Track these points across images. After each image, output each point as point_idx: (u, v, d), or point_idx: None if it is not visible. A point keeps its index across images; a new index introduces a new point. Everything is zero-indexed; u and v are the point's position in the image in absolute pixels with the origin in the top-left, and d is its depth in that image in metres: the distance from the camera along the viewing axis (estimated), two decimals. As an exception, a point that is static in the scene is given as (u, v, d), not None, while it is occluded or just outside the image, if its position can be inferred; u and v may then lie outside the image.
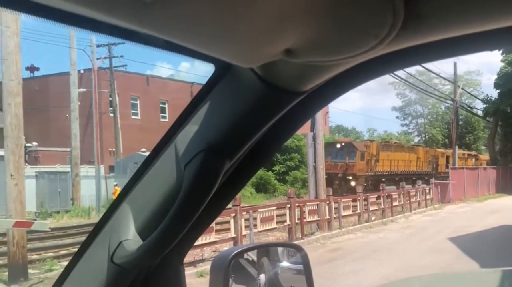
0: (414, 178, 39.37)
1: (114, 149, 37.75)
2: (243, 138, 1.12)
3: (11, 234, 11.85)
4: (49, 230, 11.93)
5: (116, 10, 0.69)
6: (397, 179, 39.37)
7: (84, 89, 32.91)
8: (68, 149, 31.72)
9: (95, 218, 26.86)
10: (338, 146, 38.76)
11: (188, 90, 45.76)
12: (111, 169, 36.00)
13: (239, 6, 0.71)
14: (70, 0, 0.68)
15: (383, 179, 37.69)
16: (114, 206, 1.34)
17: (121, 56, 37.21)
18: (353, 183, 34.33)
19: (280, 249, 1.72)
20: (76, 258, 1.39)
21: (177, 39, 0.79)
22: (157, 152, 1.28)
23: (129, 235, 1.24)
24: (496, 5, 0.77)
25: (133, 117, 42.61)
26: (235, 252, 1.49)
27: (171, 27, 0.75)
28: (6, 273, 12.27)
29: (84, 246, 1.38)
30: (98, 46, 33.92)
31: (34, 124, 38.60)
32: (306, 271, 1.58)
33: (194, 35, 0.78)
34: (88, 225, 22.93)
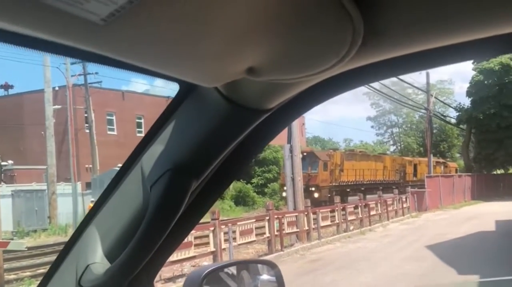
0: (381, 188, 38.02)
1: (90, 166, 37.41)
2: (209, 157, 1.11)
3: (-13, 255, 11.71)
4: (26, 249, 11.79)
5: (71, 34, 0.68)
6: (363, 189, 37.98)
7: (59, 106, 32.63)
8: (44, 167, 31.37)
9: (72, 236, 26.57)
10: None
11: (164, 104, 44.84)
12: (88, 185, 35.64)
13: (197, 26, 0.70)
14: (23, 25, 0.66)
15: (348, 189, 36.87)
16: (81, 228, 1.32)
17: (96, 73, 36.97)
18: (316, 195, 33.24)
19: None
20: (44, 281, 1.36)
21: (136, 61, 0.78)
22: (123, 172, 1.26)
23: (96, 258, 1.22)
24: (453, 21, 0.78)
25: (109, 132, 42.31)
26: (207, 271, 1.48)
27: (128, 49, 0.74)
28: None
29: (52, 269, 1.36)
30: (72, 63, 33.69)
31: (9, 142, 38.23)
32: (279, 285, 1.62)
33: (153, 57, 0.78)
34: (65, 242, 22.65)
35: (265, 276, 1.67)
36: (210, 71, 0.86)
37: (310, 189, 33.99)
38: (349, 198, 31.56)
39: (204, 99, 1.07)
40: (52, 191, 29.53)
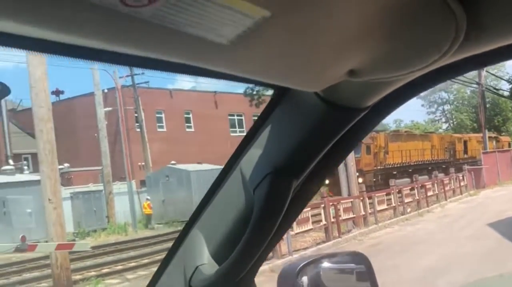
0: (430, 168, 36.87)
1: (143, 163, 38.10)
2: (308, 157, 1.14)
3: (54, 257, 12.08)
4: (90, 250, 12.12)
5: (199, 56, 0.73)
6: (410, 170, 36.49)
7: (110, 108, 33.32)
8: (99, 168, 32.13)
9: (132, 234, 27.15)
10: None
11: (212, 99, 46.02)
12: (142, 183, 36.32)
13: (313, 36, 0.74)
14: (159, 52, 0.71)
15: (395, 172, 35.29)
16: (185, 232, 1.39)
17: (143, 73, 37.57)
18: (360, 180, 32.00)
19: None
20: (152, 282, 1.44)
21: (255, 76, 0.84)
22: (223, 176, 1.32)
23: (204, 260, 1.27)
24: None
25: (159, 130, 42.96)
26: (301, 265, 1.49)
27: (251, 66, 0.79)
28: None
29: (159, 272, 1.43)
30: (119, 65, 34.27)
31: (64, 146, 39.23)
32: (370, 276, 1.61)
33: (265, 70, 0.82)
34: (126, 241, 23.18)
35: (355, 268, 1.66)
36: (314, 76, 0.89)
37: None
38: (397, 181, 30.49)
39: (300, 101, 1.08)
40: (109, 191, 30.24)
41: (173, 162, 34.60)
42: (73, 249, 11.70)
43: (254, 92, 41.17)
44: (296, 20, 0.69)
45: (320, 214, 16.86)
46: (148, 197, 31.11)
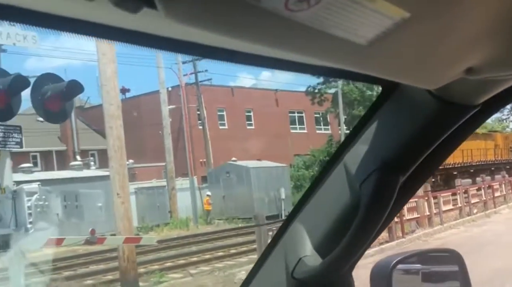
0: (492, 168, 35.46)
1: (205, 160, 38.57)
2: (416, 153, 1.14)
3: (121, 250, 12.41)
4: (156, 244, 12.40)
5: (336, 55, 0.75)
6: (472, 171, 35.34)
7: (174, 106, 33.91)
8: (162, 164, 32.74)
9: (193, 229, 27.55)
10: None
11: (273, 97, 46.05)
12: (204, 179, 36.77)
13: (441, 36, 0.75)
14: (309, 54, 0.74)
15: (455, 172, 33.80)
16: (286, 224, 1.42)
17: (206, 71, 38.01)
18: None
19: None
20: (252, 274, 1.49)
21: (379, 74, 0.85)
22: (326, 170, 1.34)
23: (307, 252, 1.29)
24: None
25: (220, 127, 43.36)
26: (394, 261, 1.50)
27: (381, 66, 0.81)
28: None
29: (259, 263, 1.47)
30: (183, 63, 34.89)
31: (129, 143, 40.13)
32: (462, 274, 1.59)
33: (395, 69, 0.84)
34: (188, 236, 23.53)
35: (447, 265, 1.65)
36: (433, 74, 0.88)
37: None
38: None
39: (410, 97, 1.08)
40: (172, 187, 30.79)
41: (233, 159, 34.86)
42: (140, 243, 11.99)
43: (316, 91, 40.95)
44: (432, 21, 0.71)
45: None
46: (209, 193, 31.50)
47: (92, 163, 35.18)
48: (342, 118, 37.67)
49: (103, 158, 39.10)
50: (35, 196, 7.66)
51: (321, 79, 41.25)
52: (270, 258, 1.44)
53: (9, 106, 8.10)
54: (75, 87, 8.87)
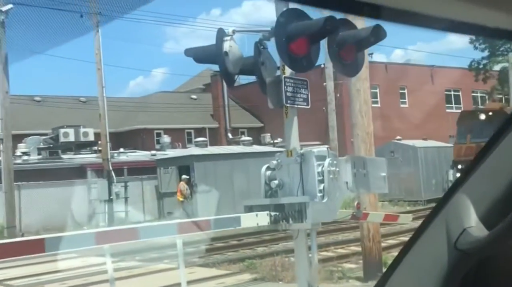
0: None
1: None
2: None
3: (365, 228, 11.09)
4: (412, 222, 11.02)
5: None
6: None
7: (340, 81, 32.57)
8: (318, 143, 31.57)
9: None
10: (483, 117, 25.33)
11: (428, 74, 43.42)
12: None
13: None
14: None
15: None
16: (448, 195, 1.36)
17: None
18: None
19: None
20: (411, 241, 1.43)
21: None
22: (490, 144, 1.30)
23: (472, 222, 1.24)
24: None
25: (373, 105, 41.57)
26: None
27: None
28: (361, 270, 11.63)
29: (418, 232, 1.42)
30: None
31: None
32: None
33: None
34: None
35: None
36: None
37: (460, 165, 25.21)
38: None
39: None
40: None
41: (398, 137, 33.00)
42: (397, 221, 10.72)
43: (481, 66, 37.93)
44: None
45: None
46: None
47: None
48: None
49: (252, 136, 38.81)
50: (327, 160, 6.45)
51: (486, 53, 38.29)
52: (430, 228, 1.40)
53: (308, 55, 6.88)
54: (378, 33, 7.42)
